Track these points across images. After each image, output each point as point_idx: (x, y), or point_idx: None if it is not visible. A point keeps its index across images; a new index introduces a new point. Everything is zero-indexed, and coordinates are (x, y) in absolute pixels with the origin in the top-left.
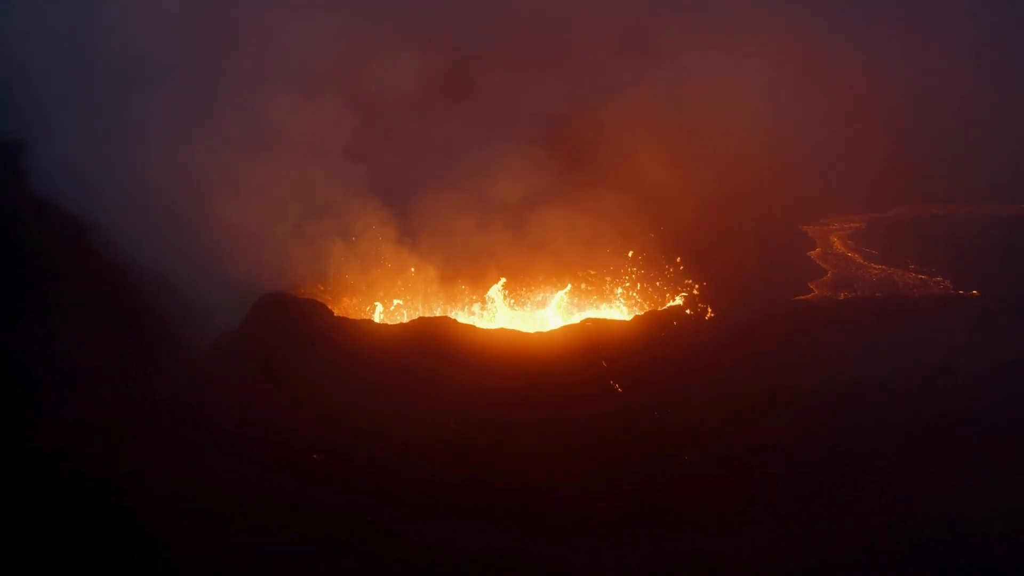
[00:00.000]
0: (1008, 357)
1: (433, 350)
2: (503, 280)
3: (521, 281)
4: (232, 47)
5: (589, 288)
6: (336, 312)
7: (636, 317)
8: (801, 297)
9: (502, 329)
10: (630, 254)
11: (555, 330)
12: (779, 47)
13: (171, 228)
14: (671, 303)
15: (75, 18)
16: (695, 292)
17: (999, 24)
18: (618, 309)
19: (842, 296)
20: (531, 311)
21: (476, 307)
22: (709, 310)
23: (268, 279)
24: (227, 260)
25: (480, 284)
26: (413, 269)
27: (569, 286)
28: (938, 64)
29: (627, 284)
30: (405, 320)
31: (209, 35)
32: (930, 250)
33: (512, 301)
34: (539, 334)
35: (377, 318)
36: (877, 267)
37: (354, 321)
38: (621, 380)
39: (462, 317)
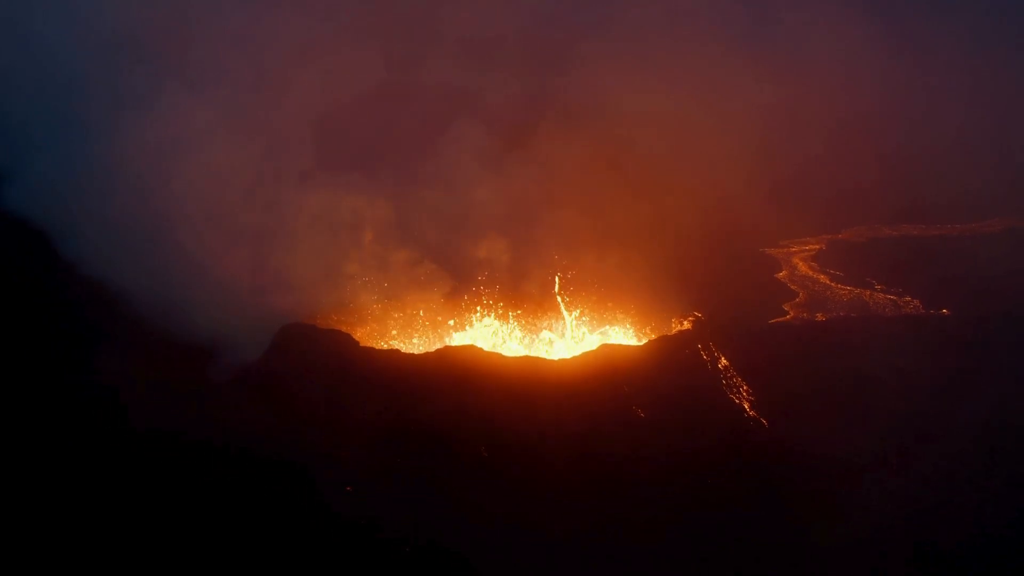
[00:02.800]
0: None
1: (460, 378)
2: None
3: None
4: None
5: (593, 313)
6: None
7: (649, 342)
8: (780, 319)
9: (526, 357)
10: None
11: (576, 357)
12: (728, 70)
13: (170, 254)
14: (678, 328)
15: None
16: (700, 317)
17: (941, 46)
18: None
19: (819, 317)
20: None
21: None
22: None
23: (285, 309)
24: (240, 290)
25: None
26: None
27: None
28: (881, 86)
29: (629, 310)
30: (421, 347)
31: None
32: (891, 270)
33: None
34: (561, 360)
35: (401, 346)
36: (845, 288)
37: (381, 351)
38: (643, 405)
39: (480, 341)
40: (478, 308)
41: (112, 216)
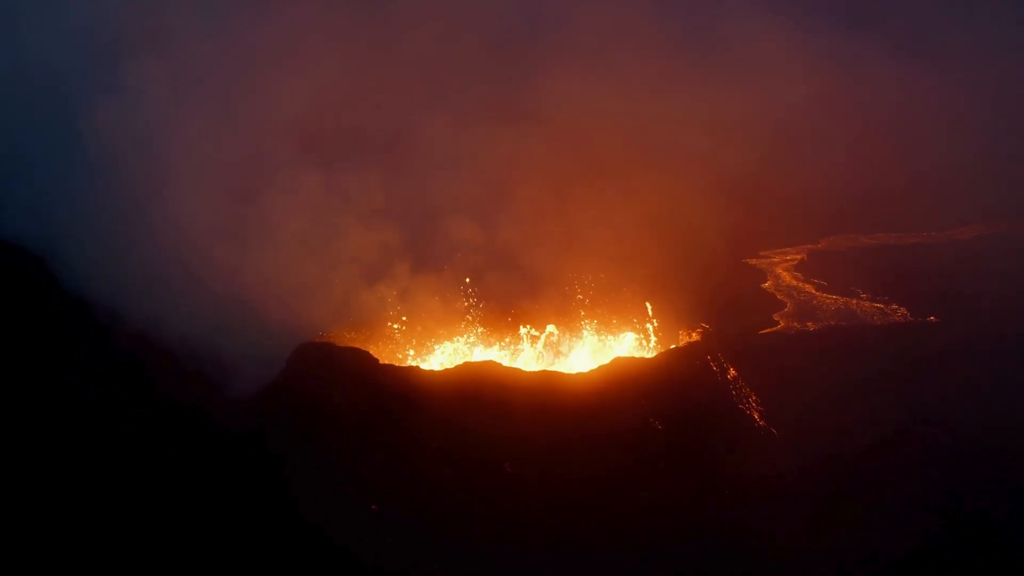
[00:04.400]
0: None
1: (482, 395)
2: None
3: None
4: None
5: (601, 327)
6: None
7: (659, 355)
8: (772, 329)
9: (545, 371)
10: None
11: (592, 370)
12: (699, 78)
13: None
14: (686, 339)
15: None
16: (708, 328)
17: (906, 52)
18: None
19: (811, 327)
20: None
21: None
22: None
23: (298, 328)
24: (249, 309)
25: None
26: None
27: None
28: (850, 93)
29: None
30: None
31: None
32: (874, 278)
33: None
34: (580, 374)
35: (419, 363)
36: (831, 297)
37: (400, 368)
38: (659, 418)
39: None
40: (472, 320)
41: (112, 234)
